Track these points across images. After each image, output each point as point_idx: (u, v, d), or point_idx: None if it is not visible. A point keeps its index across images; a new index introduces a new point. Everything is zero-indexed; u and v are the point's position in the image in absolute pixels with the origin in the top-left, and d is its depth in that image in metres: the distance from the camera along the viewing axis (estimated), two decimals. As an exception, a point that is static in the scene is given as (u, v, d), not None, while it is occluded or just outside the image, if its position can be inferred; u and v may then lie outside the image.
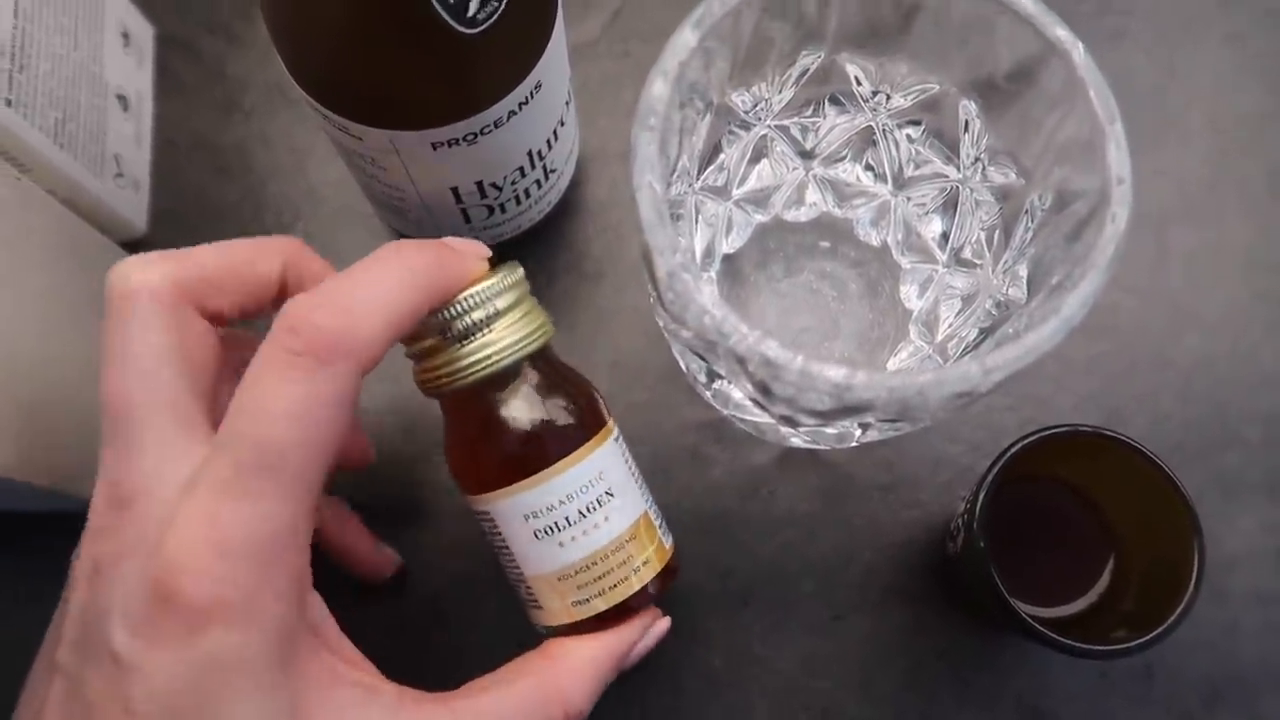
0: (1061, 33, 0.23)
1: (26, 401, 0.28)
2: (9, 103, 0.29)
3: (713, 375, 0.28)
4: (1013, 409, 0.35)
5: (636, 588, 0.26)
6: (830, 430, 0.27)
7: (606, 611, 0.26)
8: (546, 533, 0.25)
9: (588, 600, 0.25)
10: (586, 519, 0.25)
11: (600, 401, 0.27)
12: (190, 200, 0.38)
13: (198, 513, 0.20)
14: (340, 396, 0.21)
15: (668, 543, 0.27)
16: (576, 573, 0.25)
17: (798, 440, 0.30)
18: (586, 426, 0.26)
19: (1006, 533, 0.29)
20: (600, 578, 0.25)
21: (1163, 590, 0.27)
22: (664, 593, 0.27)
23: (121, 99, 0.36)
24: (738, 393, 0.27)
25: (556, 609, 0.26)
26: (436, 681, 0.33)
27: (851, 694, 0.32)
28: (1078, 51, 0.23)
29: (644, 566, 0.26)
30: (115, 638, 0.20)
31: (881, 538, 0.34)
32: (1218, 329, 0.36)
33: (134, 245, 0.37)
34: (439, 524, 0.34)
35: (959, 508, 0.30)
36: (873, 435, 0.28)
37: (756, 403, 0.26)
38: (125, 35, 0.37)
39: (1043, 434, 0.27)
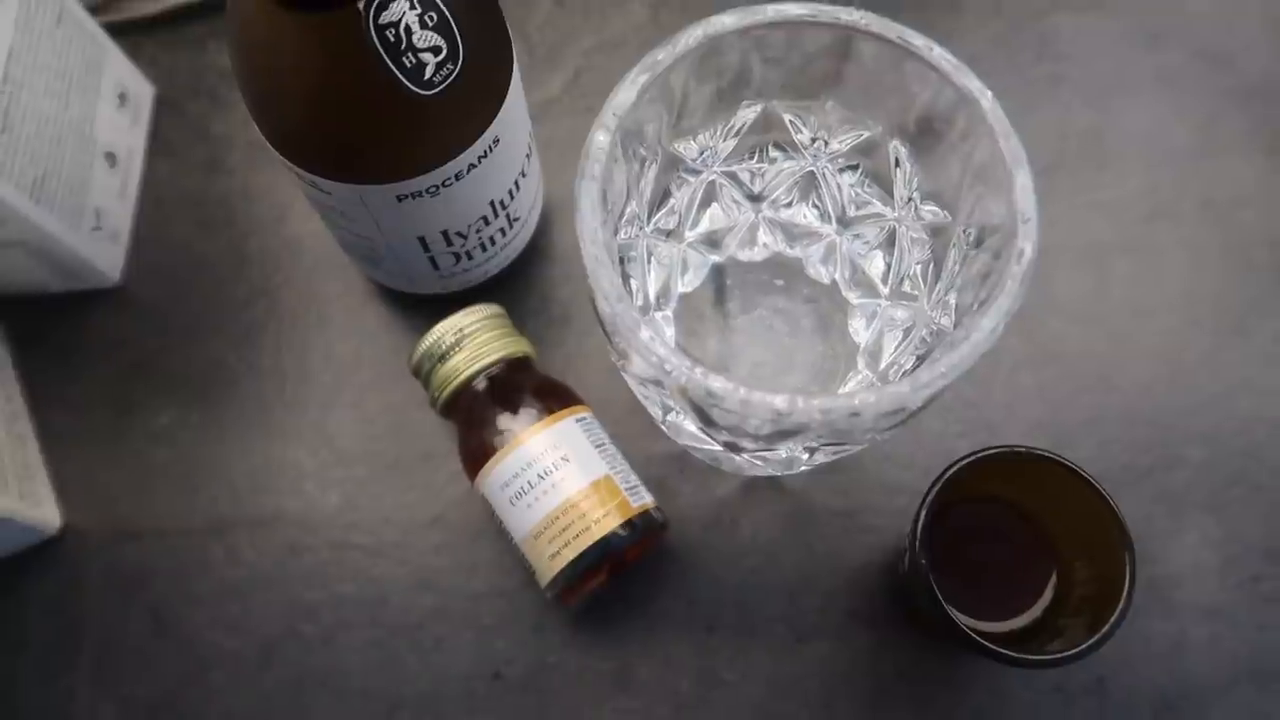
0: (972, 83, 0.25)
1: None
2: None
3: (666, 408, 0.29)
4: (964, 435, 0.37)
5: (597, 536, 0.31)
6: (778, 455, 0.28)
7: (577, 560, 0.31)
8: (518, 496, 0.31)
9: (559, 551, 0.31)
10: (544, 481, 0.31)
11: (570, 395, 0.34)
12: (175, 254, 0.40)
13: None
14: None
15: (636, 502, 0.32)
16: (544, 529, 0.31)
17: (753, 469, 0.32)
18: (545, 415, 0.32)
19: (954, 552, 0.30)
20: (564, 530, 0.31)
21: (1102, 604, 0.28)
22: (651, 546, 0.33)
23: (110, 156, 0.38)
24: (689, 425, 0.29)
25: (543, 568, 0.32)
26: (415, 703, 0.35)
27: (816, 715, 0.34)
28: (986, 99, 0.25)
29: (604, 518, 0.31)
30: None
31: (841, 562, 0.35)
32: (1157, 355, 0.38)
33: (107, 294, 0.39)
34: (414, 559, 0.35)
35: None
36: (820, 458, 0.29)
37: (705, 431, 0.27)
38: (122, 96, 0.39)
39: (979, 455, 0.29)
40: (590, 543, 0.31)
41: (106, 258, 0.38)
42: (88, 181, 0.37)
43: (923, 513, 0.28)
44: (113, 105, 0.39)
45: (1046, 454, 0.29)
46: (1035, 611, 0.31)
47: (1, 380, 0.37)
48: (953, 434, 0.36)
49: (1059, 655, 0.26)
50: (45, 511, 0.35)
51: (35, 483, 0.36)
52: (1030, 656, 0.27)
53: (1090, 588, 0.29)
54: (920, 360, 0.29)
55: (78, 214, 0.36)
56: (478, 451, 0.32)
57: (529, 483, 0.31)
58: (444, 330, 0.33)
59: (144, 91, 0.41)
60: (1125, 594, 0.27)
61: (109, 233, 0.38)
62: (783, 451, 0.28)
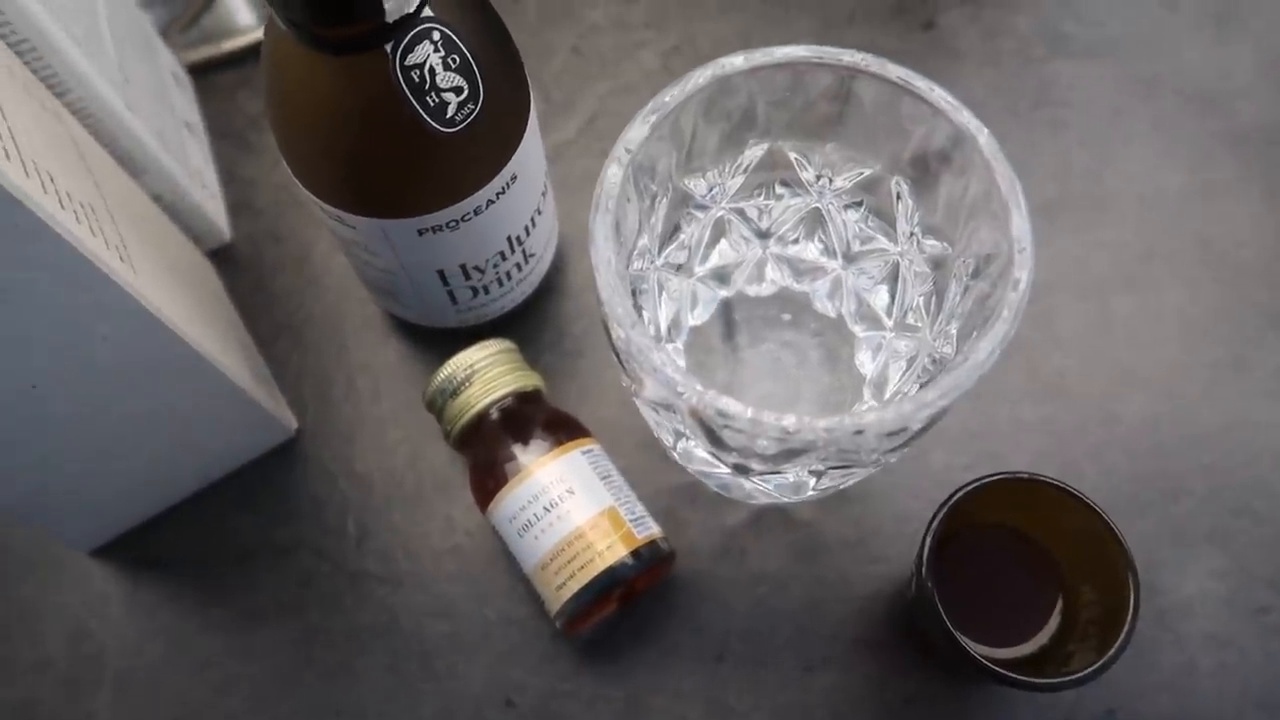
0: (968, 120, 0.26)
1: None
2: (129, 107, 0.32)
3: (677, 435, 0.30)
4: (969, 467, 0.37)
5: (603, 567, 0.31)
6: (786, 478, 0.29)
7: (582, 592, 0.31)
8: (525, 528, 0.32)
9: (564, 583, 0.32)
10: (551, 513, 0.32)
11: (578, 428, 0.34)
12: (203, 292, 0.41)
13: None
14: None
15: (641, 533, 0.33)
16: (552, 559, 0.32)
17: (760, 495, 0.32)
18: (552, 447, 0.33)
19: (961, 578, 0.31)
20: (570, 561, 0.31)
21: (1108, 626, 0.28)
22: (659, 575, 0.34)
23: (189, 125, 0.39)
24: (700, 450, 0.30)
25: (550, 597, 0.32)
26: (424, 731, 0.35)
27: (825, 744, 0.34)
28: (982, 135, 0.26)
29: (607, 550, 0.32)
30: None
31: (849, 591, 0.36)
32: (1159, 388, 0.38)
33: (217, 253, 0.41)
34: (429, 587, 0.36)
35: (916, 557, 0.32)
36: (828, 482, 0.30)
37: (714, 454, 0.28)
38: (175, 76, 0.41)
39: (984, 480, 0.29)
40: (596, 573, 0.31)
41: (218, 215, 0.39)
42: (185, 143, 0.37)
43: (928, 537, 0.29)
44: (173, 82, 0.40)
45: (1047, 479, 0.29)
46: (1042, 638, 0.31)
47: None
48: (959, 465, 0.37)
49: (1066, 678, 0.27)
50: (285, 412, 0.38)
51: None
52: (1037, 680, 0.27)
53: (1096, 610, 0.29)
54: (924, 388, 0.30)
55: (188, 171, 0.37)
56: (488, 483, 0.33)
57: (536, 514, 0.32)
58: (456, 365, 0.34)
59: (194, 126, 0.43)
60: (1131, 614, 0.27)
61: (211, 192, 0.39)
62: (790, 475, 0.29)
